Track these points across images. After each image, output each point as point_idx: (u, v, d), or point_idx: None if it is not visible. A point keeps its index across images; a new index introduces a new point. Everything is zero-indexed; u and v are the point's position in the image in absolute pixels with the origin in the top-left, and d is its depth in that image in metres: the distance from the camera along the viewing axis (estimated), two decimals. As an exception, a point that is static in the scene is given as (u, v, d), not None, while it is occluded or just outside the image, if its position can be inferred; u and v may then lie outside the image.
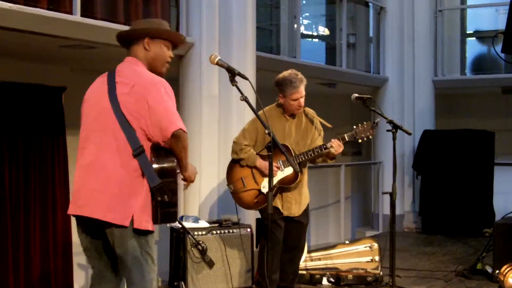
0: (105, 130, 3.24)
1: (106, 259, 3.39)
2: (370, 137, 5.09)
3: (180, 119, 3.26)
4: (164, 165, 3.25)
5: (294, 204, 5.11)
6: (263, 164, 4.98)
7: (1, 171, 5.46)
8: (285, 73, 5.07)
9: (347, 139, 4.99)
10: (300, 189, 5.15)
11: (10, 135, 5.56)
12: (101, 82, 3.40)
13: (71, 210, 3.32)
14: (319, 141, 5.11)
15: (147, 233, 3.24)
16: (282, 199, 5.06)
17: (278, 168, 4.95)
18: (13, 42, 5.36)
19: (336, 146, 4.91)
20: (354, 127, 5.06)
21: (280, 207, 5.05)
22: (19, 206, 5.60)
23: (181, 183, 3.44)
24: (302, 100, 5.03)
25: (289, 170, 4.97)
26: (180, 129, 3.20)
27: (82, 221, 3.32)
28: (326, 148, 4.94)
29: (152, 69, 3.43)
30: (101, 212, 3.18)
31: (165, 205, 3.23)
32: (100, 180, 3.19)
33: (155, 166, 3.23)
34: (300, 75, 5.04)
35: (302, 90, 5.01)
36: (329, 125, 5.19)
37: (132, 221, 3.18)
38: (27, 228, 5.68)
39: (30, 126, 5.74)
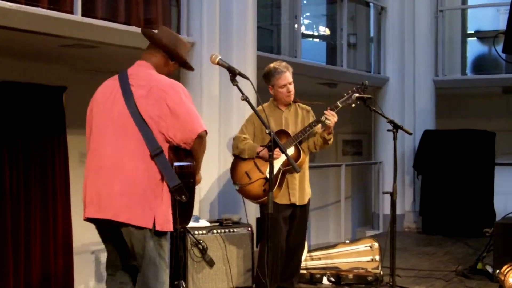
0: (123, 133, 3.25)
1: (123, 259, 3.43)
2: (364, 96, 5.08)
3: (202, 120, 3.31)
4: (184, 164, 3.29)
5: (298, 190, 5.10)
6: (264, 150, 4.98)
7: (1, 171, 5.45)
8: (269, 65, 5.18)
9: (340, 105, 5.01)
10: (303, 176, 5.15)
11: (10, 135, 5.56)
12: (112, 85, 3.39)
13: (91, 214, 3.30)
14: (318, 128, 5.11)
15: (164, 234, 3.29)
16: (288, 187, 5.06)
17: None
18: (14, 41, 5.36)
19: (329, 115, 4.92)
20: (345, 94, 5.08)
21: (287, 198, 5.04)
22: (19, 206, 5.60)
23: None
24: (290, 87, 5.09)
25: (290, 151, 4.97)
26: (205, 130, 3.27)
27: (101, 223, 3.33)
28: (320, 121, 4.96)
29: None
30: (125, 215, 3.20)
31: (183, 205, 3.27)
32: (123, 184, 3.20)
33: (175, 164, 3.26)
34: (284, 63, 5.16)
35: (287, 76, 5.09)
36: (319, 103, 5.22)
37: (154, 223, 3.22)
38: (27, 228, 5.67)
39: (30, 126, 5.74)
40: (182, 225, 3.44)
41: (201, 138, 3.26)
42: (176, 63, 3.55)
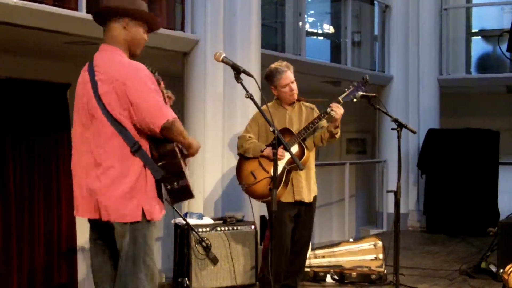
0: (99, 130, 3.23)
1: (110, 257, 3.40)
2: (368, 95, 5.07)
3: (166, 108, 3.23)
4: (164, 150, 3.27)
5: (304, 188, 5.09)
6: (268, 150, 4.97)
7: (5, 168, 5.46)
8: (271, 65, 5.17)
9: (342, 101, 4.99)
10: (309, 173, 5.14)
11: (14, 132, 5.57)
12: (85, 80, 3.33)
13: (81, 214, 3.33)
14: (324, 123, 5.10)
15: (151, 225, 3.26)
16: (293, 185, 5.05)
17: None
18: (18, 38, 5.37)
19: (335, 107, 4.92)
20: (346, 89, 5.08)
21: (291, 196, 5.02)
22: (23, 203, 5.60)
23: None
24: (293, 85, 5.08)
25: (294, 149, 4.94)
26: (167, 120, 3.18)
27: (92, 221, 3.33)
28: (326, 114, 4.95)
29: (130, 50, 3.39)
30: (113, 213, 3.19)
31: (175, 190, 3.27)
32: (105, 182, 3.20)
33: (155, 153, 3.24)
34: (285, 63, 5.15)
35: (289, 75, 5.07)
36: (324, 100, 5.21)
37: (143, 214, 3.21)
38: (31, 226, 5.67)
39: (34, 123, 5.74)
40: (181, 201, 3.40)
41: (166, 129, 3.19)
42: (130, 19, 3.36)
